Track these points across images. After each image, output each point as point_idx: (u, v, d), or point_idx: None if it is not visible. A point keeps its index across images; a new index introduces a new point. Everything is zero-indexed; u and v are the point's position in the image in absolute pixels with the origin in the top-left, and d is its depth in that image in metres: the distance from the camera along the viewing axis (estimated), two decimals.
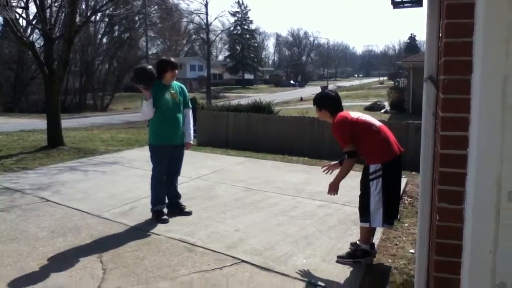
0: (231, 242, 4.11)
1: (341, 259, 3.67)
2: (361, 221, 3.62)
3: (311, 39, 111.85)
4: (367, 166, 3.59)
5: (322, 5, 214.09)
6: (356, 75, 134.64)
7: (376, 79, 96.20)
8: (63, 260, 3.72)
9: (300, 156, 9.21)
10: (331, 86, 69.57)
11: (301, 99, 43.70)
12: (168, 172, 4.92)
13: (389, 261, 3.70)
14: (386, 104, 27.33)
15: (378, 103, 28.24)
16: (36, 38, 25.64)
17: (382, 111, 25.65)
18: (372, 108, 26.72)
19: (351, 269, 3.53)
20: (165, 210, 4.91)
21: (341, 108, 3.78)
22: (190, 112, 5.05)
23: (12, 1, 8.03)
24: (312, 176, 7.00)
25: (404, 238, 4.28)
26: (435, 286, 1.96)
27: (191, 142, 5.07)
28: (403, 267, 3.56)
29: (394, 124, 10.64)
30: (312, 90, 67.28)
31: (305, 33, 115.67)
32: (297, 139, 11.36)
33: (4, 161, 8.32)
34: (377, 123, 3.68)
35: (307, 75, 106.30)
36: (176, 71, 4.85)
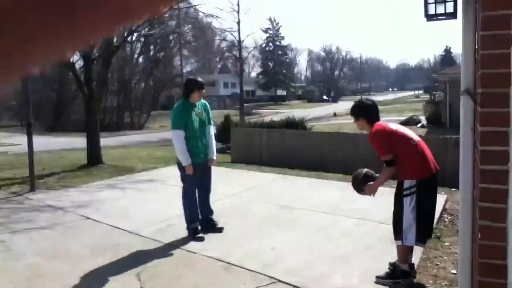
0: (267, 261, 4.09)
1: (380, 280, 3.57)
2: (395, 239, 3.54)
3: (344, 53, 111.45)
4: (401, 181, 3.50)
5: (355, 20, 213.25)
6: (390, 89, 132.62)
7: (411, 92, 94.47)
8: (103, 278, 3.79)
9: (334, 172, 9.11)
10: None
11: (335, 115, 43.40)
12: (199, 189, 5.00)
13: (430, 282, 3.59)
14: (423, 118, 26.73)
15: (414, 117, 27.65)
16: (76, 59, 26.64)
17: (419, 125, 25.10)
18: (408, 123, 26.15)
19: None
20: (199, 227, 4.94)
21: (378, 117, 3.74)
22: (212, 128, 5.14)
23: None
24: (347, 193, 6.87)
25: (445, 257, 4.14)
26: None
27: (215, 158, 5.11)
28: None
29: (431, 139, 10.40)
30: (345, 105, 66.77)
31: (338, 48, 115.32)
32: (331, 155, 11.27)
33: (47, 179, 8.63)
34: (416, 137, 3.60)
35: (340, 90, 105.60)
36: (203, 90, 4.91)
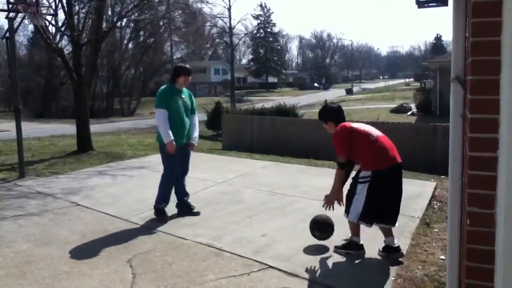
0: (258, 247, 4.11)
1: (337, 250, 3.95)
2: (345, 215, 3.94)
3: (335, 41, 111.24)
4: (359, 171, 3.85)
5: (346, 6, 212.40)
6: (381, 77, 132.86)
7: (401, 80, 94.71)
8: (94, 264, 3.80)
9: (325, 159, 9.13)
10: (355, 88, 68.99)
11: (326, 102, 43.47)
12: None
13: (419, 267, 3.64)
14: (413, 106, 26.90)
15: (404, 105, 27.81)
16: (65, 44, 26.25)
17: (409, 113, 25.25)
18: (398, 111, 26.35)
19: (381, 274, 3.48)
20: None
21: (344, 119, 4.03)
22: (196, 117, 5.33)
23: (42, 9, 8.25)
24: None
25: (434, 244, 4.20)
26: None
27: (195, 143, 5.29)
28: (434, 274, 3.49)
29: (421, 127, 10.49)
30: (336, 92, 66.84)
31: (329, 35, 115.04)
32: (322, 142, 11.29)
33: (37, 166, 8.57)
34: (376, 133, 3.84)
35: (331, 78, 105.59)
36: (189, 77, 5.13)
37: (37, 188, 6.69)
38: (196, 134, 5.26)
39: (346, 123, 3.93)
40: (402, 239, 4.26)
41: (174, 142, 4.86)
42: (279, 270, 3.59)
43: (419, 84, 49.49)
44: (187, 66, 5.20)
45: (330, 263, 3.73)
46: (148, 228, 4.75)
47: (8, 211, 5.45)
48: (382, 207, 3.77)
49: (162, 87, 5.21)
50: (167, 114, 4.89)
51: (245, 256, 3.89)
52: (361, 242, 3.92)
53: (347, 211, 3.88)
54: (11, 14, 7.64)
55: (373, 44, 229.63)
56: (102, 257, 3.95)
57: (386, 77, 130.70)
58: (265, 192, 6.19)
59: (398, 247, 3.79)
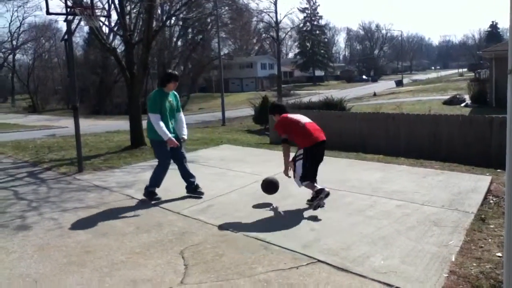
0: (307, 241, 4.12)
1: (309, 202, 5.25)
2: (301, 183, 5.21)
3: (384, 31, 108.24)
4: (297, 150, 5.25)
5: None
6: (433, 68, 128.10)
7: (454, 71, 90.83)
8: (148, 255, 3.96)
9: (375, 153, 8.98)
10: (406, 80, 66.93)
11: (375, 94, 42.49)
12: (178, 162, 5.94)
13: (474, 264, 3.52)
14: (467, 97, 25.74)
15: (458, 96, 26.65)
16: (118, 44, 27.25)
17: (462, 104, 24.22)
18: (452, 102, 25.31)
19: (433, 271, 3.40)
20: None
21: (286, 112, 5.48)
22: (182, 114, 6.08)
23: (96, 11, 8.62)
24: (389, 175, 6.81)
25: (490, 240, 4.04)
26: None
27: (185, 137, 6.07)
28: (490, 271, 3.37)
29: (475, 119, 10.04)
30: (385, 84, 65.16)
31: (377, 26, 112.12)
32: (371, 136, 11.10)
33: (94, 161, 8.99)
34: (304, 121, 5.28)
35: (380, 70, 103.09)
36: (177, 82, 5.88)
37: (94, 182, 7.03)
38: (185, 128, 6.06)
39: (285, 115, 5.37)
40: (455, 235, 4.14)
41: (173, 138, 5.62)
42: (328, 264, 3.59)
43: (473, 74, 47.36)
44: (176, 72, 5.95)
45: (379, 259, 3.67)
46: (199, 221, 4.87)
47: (69, 203, 5.78)
48: (312, 171, 5.20)
49: (153, 91, 5.85)
50: (160, 117, 5.59)
51: (293, 250, 3.91)
52: (319, 187, 5.10)
53: (297, 182, 5.25)
54: (69, 17, 8.03)
55: (423, 33, 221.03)
56: (155, 248, 4.11)
57: (438, 67, 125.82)
58: None
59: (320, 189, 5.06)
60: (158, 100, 5.65)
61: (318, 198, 4.98)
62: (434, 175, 6.73)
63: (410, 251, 3.80)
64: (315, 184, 5.18)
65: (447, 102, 25.69)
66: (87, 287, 3.38)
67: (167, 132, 5.58)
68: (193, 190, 5.96)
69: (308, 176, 5.13)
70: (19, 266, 3.81)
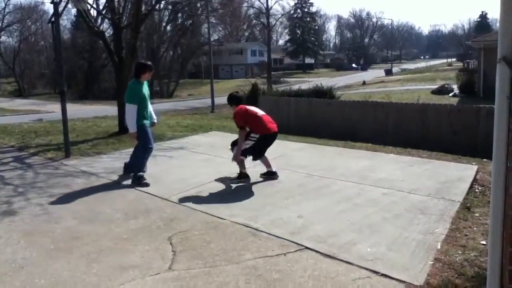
0: (294, 228, 4.15)
1: (233, 180, 5.90)
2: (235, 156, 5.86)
3: (374, 20, 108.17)
4: (250, 132, 5.85)
5: None
6: (422, 57, 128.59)
7: (443, 60, 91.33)
8: (136, 241, 3.95)
9: (363, 142, 9.02)
10: (395, 69, 67.16)
11: (364, 83, 42.63)
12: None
13: (459, 252, 3.58)
14: (455, 87, 25.96)
15: (446, 86, 26.86)
16: (106, 27, 26.87)
17: (451, 94, 24.42)
18: (440, 92, 25.51)
19: (418, 258, 3.45)
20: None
21: (242, 103, 6.06)
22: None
23: None
24: (376, 163, 6.86)
25: (475, 228, 4.11)
26: (510, 280, 1.88)
27: (156, 122, 6.63)
28: (474, 259, 3.43)
29: (463, 108, 10.14)
30: (375, 73, 65.31)
31: (368, 14, 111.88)
32: (360, 124, 11.15)
33: (81, 146, 8.90)
34: (260, 113, 5.95)
35: (370, 58, 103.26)
36: (152, 72, 6.27)
37: (81, 168, 6.97)
38: (154, 115, 6.48)
39: (243, 106, 5.93)
40: (441, 223, 4.19)
41: (147, 125, 6.09)
42: (316, 251, 3.62)
43: (462, 64, 47.67)
44: (150, 63, 6.32)
45: (366, 246, 3.71)
46: (187, 207, 4.87)
47: (56, 189, 5.72)
48: (258, 152, 5.93)
49: (131, 82, 6.11)
50: (136, 108, 5.88)
51: (281, 237, 3.94)
52: (246, 173, 5.90)
53: (234, 154, 5.84)
54: None
55: (414, 23, 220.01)
56: (143, 235, 4.10)
57: (427, 57, 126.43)
58: (301, 174, 6.20)
59: (275, 171, 6.04)
60: (136, 91, 5.93)
61: (240, 180, 5.86)
62: (421, 163, 6.80)
63: (397, 239, 3.85)
64: (246, 167, 5.97)
65: (436, 92, 25.89)
66: (74, 273, 3.37)
67: (135, 125, 5.88)
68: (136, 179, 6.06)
69: (248, 154, 5.89)
70: (5, 251, 3.77)
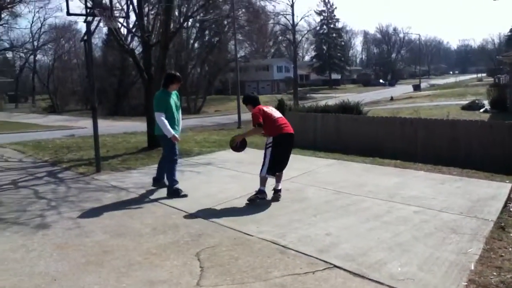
0: (323, 246, 4.11)
1: (249, 201, 5.65)
2: (260, 172, 5.79)
3: (401, 35, 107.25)
4: (267, 140, 5.85)
5: None
6: (451, 72, 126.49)
7: (473, 75, 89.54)
8: (165, 256, 3.98)
9: (391, 158, 8.89)
10: (423, 84, 66.23)
11: (392, 99, 42.14)
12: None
13: (494, 273, 3.46)
14: (486, 102, 25.35)
15: (477, 101, 26.26)
16: (136, 45, 27.59)
17: (481, 110, 23.85)
18: (470, 107, 24.95)
19: (451, 279, 3.35)
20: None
21: (259, 103, 6.06)
22: (180, 113, 6.58)
23: (115, 12, 8.74)
24: (406, 180, 6.75)
25: (510, 249, 3.97)
26: None
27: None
28: (511, 281, 3.31)
29: (495, 125, 9.87)
30: (403, 88, 64.54)
31: (395, 29, 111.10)
32: (388, 140, 11.00)
33: (111, 161, 9.09)
34: (276, 115, 5.92)
35: (397, 73, 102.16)
36: (180, 83, 6.40)
37: (112, 182, 7.11)
38: (180, 128, 6.51)
39: (260, 106, 5.97)
40: (474, 242, 4.08)
41: (176, 134, 6.10)
42: (345, 270, 3.57)
43: (492, 79, 46.62)
44: (178, 74, 6.47)
45: (396, 265, 3.64)
46: (215, 223, 4.89)
47: (87, 204, 5.86)
48: (278, 165, 5.81)
49: (159, 93, 6.23)
50: (165, 116, 6.04)
51: (309, 255, 3.90)
52: (264, 192, 5.75)
53: (261, 170, 5.75)
54: (89, 18, 8.15)
55: (442, 37, 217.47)
56: (172, 250, 4.14)
57: (457, 72, 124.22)
58: (329, 191, 6.15)
59: (280, 189, 5.91)
60: (163, 99, 6.12)
61: (256, 198, 5.68)
62: (452, 181, 6.64)
63: (428, 258, 3.75)
64: (265, 186, 5.80)
65: (466, 107, 25.34)
66: (104, 286, 3.42)
67: (170, 129, 6.02)
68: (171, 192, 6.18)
69: (273, 169, 5.75)
70: (38, 264, 3.87)
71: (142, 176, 7.53)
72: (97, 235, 4.62)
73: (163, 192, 6.27)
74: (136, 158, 9.56)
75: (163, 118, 6.02)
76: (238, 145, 6.06)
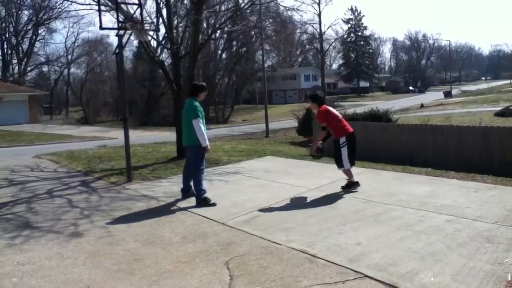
0: (353, 255, 4.06)
1: (344, 189, 6.59)
2: (339, 167, 6.68)
3: (431, 41, 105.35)
4: (337, 139, 6.59)
5: (442, 4, 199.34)
6: (483, 78, 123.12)
7: (506, 81, 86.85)
8: (194, 265, 4.02)
9: (422, 166, 8.72)
10: (454, 91, 64.74)
11: (422, 106, 41.33)
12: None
13: None
14: None
15: (511, 108, 25.45)
16: (165, 57, 28.14)
17: None
18: (504, 114, 24.17)
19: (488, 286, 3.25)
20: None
21: (324, 103, 6.76)
22: None
23: (146, 26, 8.96)
24: (437, 188, 6.60)
25: None
26: None
27: None
28: None
29: None
30: (433, 95, 63.29)
31: (424, 35, 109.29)
32: (418, 148, 10.81)
33: (142, 171, 9.26)
34: (340, 116, 6.73)
35: (427, 80, 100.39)
36: (206, 92, 6.60)
37: (142, 192, 7.24)
38: None
39: (326, 107, 6.64)
40: (510, 253, 3.94)
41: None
42: (376, 280, 3.51)
43: None
44: (204, 84, 6.65)
45: (429, 275, 3.55)
46: (244, 232, 4.91)
47: (118, 212, 5.98)
48: (351, 159, 6.60)
49: (192, 101, 6.28)
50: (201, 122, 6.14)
51: (339, 264, 3.86)
52: (356, 180, 6.68)
53: (341, 164, 6.60)
54: (120, 32, 8.38)
55: (473, 43, 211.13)
56: (201, 258, 4.17)
57: (489, 78, 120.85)
58: (359, 200, 6.08)
59: (357, 181, 6.67)
60: (199, 107, 6.23)
61: (351, 189, 6.53)
62: (486, 189, 6.46)
63: (462, 268, 3.65)
64: (352, 174, 6.70)
65: (499, 114, 24.58)
66: None
67: (206, 138, 6.15)
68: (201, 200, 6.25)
69: (349, 162, 6.55)
70: (72, 271, 3.97)
71: (171, 185, 7.64)
72: (128, 243, 4.71)
73: (192, 201, 6.34)
74: (165, 167, 9.70)
75: (202, 125, 6.11)
76: (316, 153, 6.87)
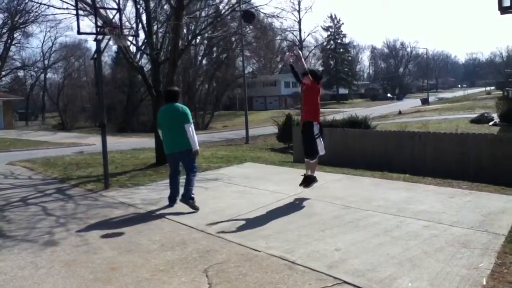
0: (332, 261, 4.07)
1: (303, 186, 6.66)
2: (311, 159, 6.58)
3: (409, 49, 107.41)
4: (310, 123, 6.41)
5: (420, 14, 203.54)
6: (459, 86, 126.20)
7: (482, 89, 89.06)
8: (173, 273, 3.97)
9: (400, 172, 8.83)
10: (431, 98, 66.04)
11: (400, 113, 42.01)
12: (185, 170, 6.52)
13: None
14: (495, 116, 25.20)
15: (486, 115, 26.10)
16: (145, 62, 27.94)
17: (491, 123, 23.68)
18: (480, 121, 24.79)
19: None
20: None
21: (319, 82, 6.55)
22: None
23: (125, 31, 8.87)
24: (415, 194, 6.69)
25: None
26: None
27: None
28: None
29: (505, 138, 9.79)
30: (411, 102, 64.41)
31: (402, 43, 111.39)
32: (396, 154, 10.94)
33: (120, 178, 9.13)
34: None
35: (405, 88, 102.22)
36: None
37: (120, 199, 7.13)
38: None
39: (318, 86, 6.54)
40: (486, 257, 4.01)
41: None
42: (354, 286, 3.52)
43: (501, 92, 46.40)
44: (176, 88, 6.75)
45: (407, 281, 3.58)
46: (223, 239, 4.87)
47: (95, 220, 5.87)
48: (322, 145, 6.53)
49: (183, 105, 6.37)
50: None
51: (318, 270, 3.85)
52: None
53: (314, 156, 6.53)
54: (99, 37, 8.28)
55: (450, 51, 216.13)
56: (180, 266, 4.12)
57: (465, 85, 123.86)
58: (337, 206, 6.11)
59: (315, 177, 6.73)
60: (190, 111, 6.38)
61: (310, 185, 6.65)
62: (462, 195, 6.57)
63: (439, 273, 3.70)
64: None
65: (475, 121, 25.19)
66: None
67: (197, 143, 6.26)
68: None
69: (316, 153, 6.48)
70: (47, 281, 3.87)
71: (150, 192, 7.55)
72: (105, 251, 4.62)
73: (171, 208, 6.28)
74: (144, 174, 9.59)
75: (193, 130, 6.25)
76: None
